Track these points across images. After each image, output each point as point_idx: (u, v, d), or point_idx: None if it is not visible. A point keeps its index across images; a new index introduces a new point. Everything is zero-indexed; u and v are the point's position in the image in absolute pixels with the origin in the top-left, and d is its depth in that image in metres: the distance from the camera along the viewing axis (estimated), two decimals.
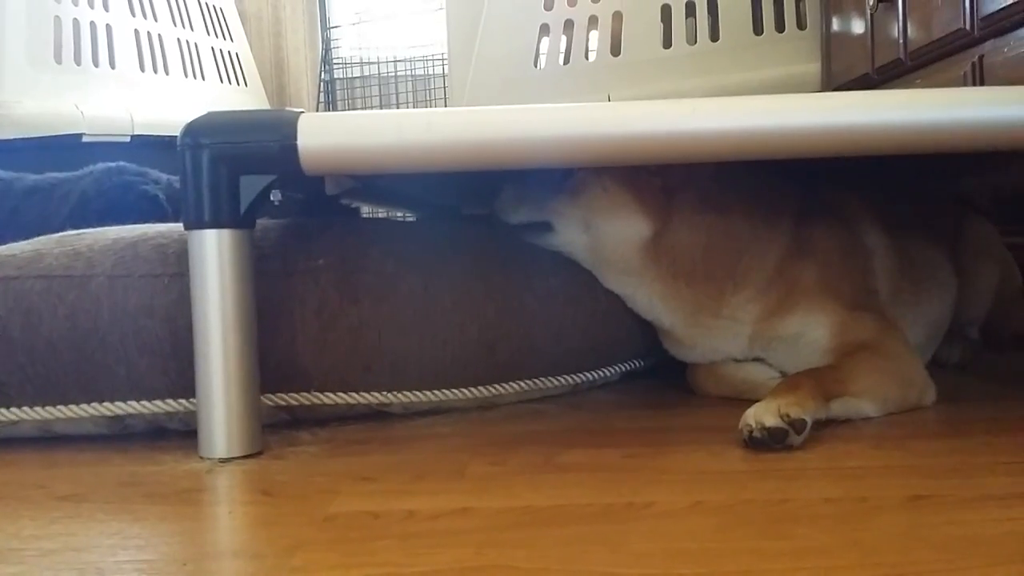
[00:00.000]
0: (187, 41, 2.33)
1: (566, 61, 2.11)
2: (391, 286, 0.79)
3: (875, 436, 0.74)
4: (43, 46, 1.84)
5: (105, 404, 0.77)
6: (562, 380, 0.87)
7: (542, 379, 0.86)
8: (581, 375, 0.89)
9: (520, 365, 0.85)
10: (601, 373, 0.90)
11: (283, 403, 0.78)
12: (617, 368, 0.92)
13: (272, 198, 0.72)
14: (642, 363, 0.94)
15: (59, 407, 0.77)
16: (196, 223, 0.71)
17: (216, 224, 0.70)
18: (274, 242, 0.80)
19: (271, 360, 0.77)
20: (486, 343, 0.82)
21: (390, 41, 3.15)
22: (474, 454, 0.70)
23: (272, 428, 0.78)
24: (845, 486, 0.59)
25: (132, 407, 0.77)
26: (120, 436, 0.78)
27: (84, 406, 0.77)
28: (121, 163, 1.23)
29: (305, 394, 0.79)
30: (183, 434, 0.76)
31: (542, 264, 0.86)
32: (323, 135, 0.70)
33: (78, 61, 1.92)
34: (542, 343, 0.85)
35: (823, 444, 0.69)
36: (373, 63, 3.13)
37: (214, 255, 0.70)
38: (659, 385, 0.94)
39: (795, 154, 0.71)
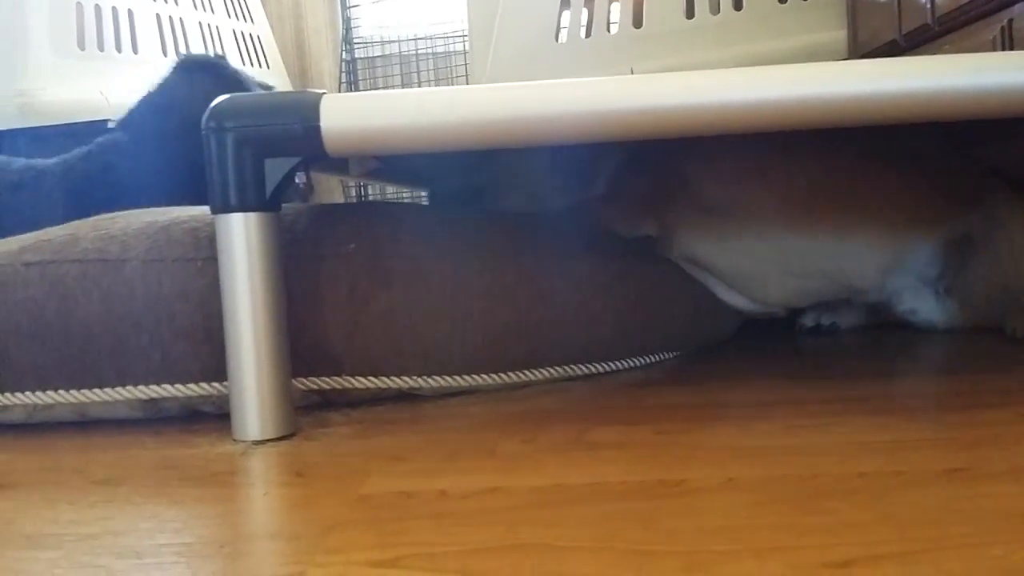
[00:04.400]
0: (208, 24, 2.34)
1: (587, 34, 2.09)
2: (422, 271, 0.79)
3: (908, 409, 0.73)
4: (66, 33, 1.85)
5: (140, 387, 0.78)
6: (592, 368, 0.87)
7: (572, 366, 0.86)
8: (611, 363, 0.88)
9: (550, 351, 0.84)
10: (630, 362, 0.89)
11: (314, 387, 0.79)
12: (646, 359, 0.91)
13: (297, 180, 0.72)
14: (672, 355, 0.94)
15: (94, 390, 0.78)
16: (222, 207, 0.71)
17: (242, 208, 0.71)
18: (305, 226, 0.80)
19: (302, 344, 0.77)
20: (517, 328, 0.82)
21: (410, 19, 3.14)
22: (504, 432, 0.70)
23: (304, 410, 0.78)
24: (879, 460, 0.59)
25: (166, 390, 0.78)
26: (154, 420, 0.79)
27: (119, 389, 0.78)
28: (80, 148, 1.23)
29: (336, 378, 0.79)
30: (217, 417, 0.77)
31: (573, 249, 0.86)
32: (346, 116, 0.70)
33: (101, 47, 1.93)
34: (573, 329, 0.85)
35: (856, 418, 0.69)
36: (394, 42, 3.12)
37: (241, 239, 0.70)
38: (687, 363, 0.94)
39: (829, 123, 0.70)
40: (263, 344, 0.71)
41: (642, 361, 0.91)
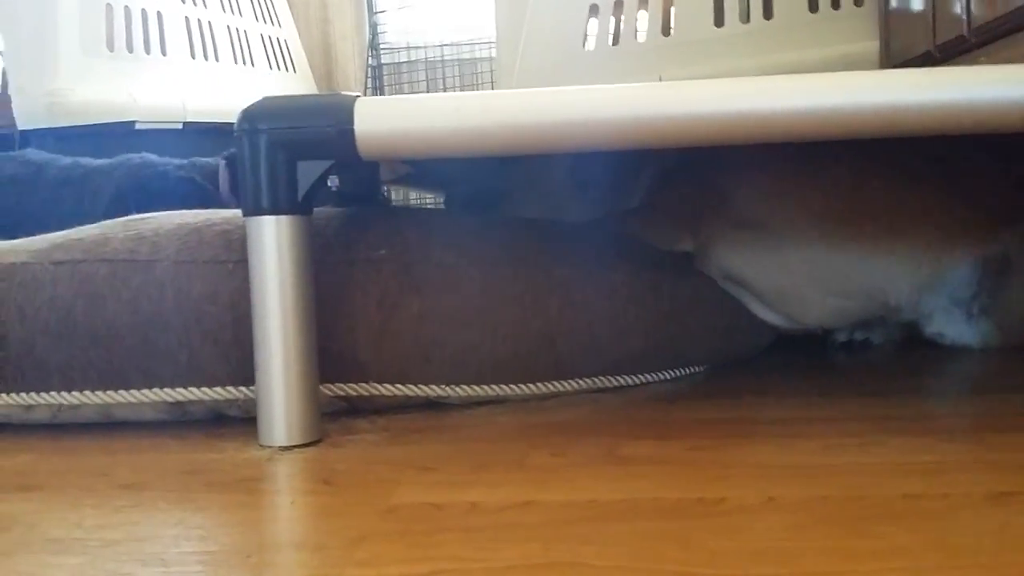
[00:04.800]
0: (236, 28, 2.35)
1: (615, 42, 2.08)
2: (453, 278, 0.78)
3: (947, 429, 0.71)
4: (95, 33, 1.86)
5: (166, 390, 0.77)
6: (622, 380, 0.85)
7: (602, 378, 0.84)
8: (641, 375, 0.87)
9: (581, 363, 0.83)
10: (661, 375, 0.88)
11: (341, 393, 0.78)
12: (677, 372, 0.89)
13: (329, 184, 0.71)
14: (702, 368, 0.92)
15: (120, 392, 0.77)
16: (254, 209, 0.70)
17: (274, 210, 0.70)
18: (337, 231, 0.79)
19: (331, 350, 0.76)
20: (548, 338, 0.81)
21: (436, 25, 3.14)
22: (533, 444, 0.69)
23: (330, 416, 0.77)
24: (924, 482, 0.57)
25: (193, 393, 0.77)
26: (179, 423, 0.78)
27: (146, 391, 0.77)
28: (144, 154, 1.23)
29: (364, 385, 0.78)
30: (243, 421, 0.76)
31: (606, 259, 0.85)
32: (379, 119, 0.69)
33: (130, 48, 1.93)
34: (605, 341, 0.84)
35: (895, 437, 0.67)
36: (420, 47, 3.12)
37: (272, 242, 0.70)
38: (718, 377, 0.92)
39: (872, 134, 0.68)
40: (292, 349, 0.70)
41: (673, 374, 0.89)
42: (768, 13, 1.96)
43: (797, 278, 0.92)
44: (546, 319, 0.81)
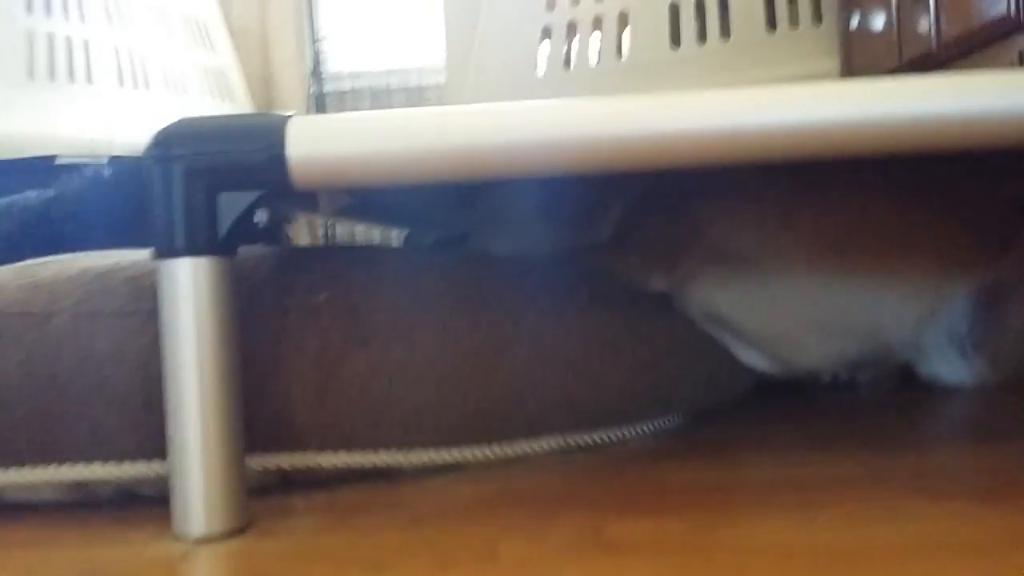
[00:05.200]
0: (170, 55, 2.22)
1: (568, 66, 2.00)
2: (405, 326, 0.67)
3: (979, 490, 0.62)
4: (14, 61, 1.72)
5: (65, 467, 0.65)
6: (598, 437, 0.75)
7: (577, 435, 0.74)
8: (619, 430, 0.76)
9: (553, 418, 0.72)
10: (639, 429, 0.78)
11: (274, 466, 0.66)
12: (658, 424, 0.79)
13: (256, 220, 0.60)
14: (681, 418, 0.82)
15: (11, 470, 0.65)
16: (167, 250, 0.58)
17: (191, 251, 0.58)
18: (268, 273, 0.68)
19: (261, 415, 0.65)
20: (514, 393, 0.70)
21: (382, 51, 3.04)
22: (505, 527, 0.58)
23: (260, 494, 0.65)
24: (982, 567, 0.47)
25: (96, 471, 0.65)
26: (86, 504, 0.66)
27: (40, 469, 0.65)
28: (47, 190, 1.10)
29: (301, 454, 0.66)
30: (158, 503, 0.63)
31: (578, 300, 0.74)
32: (317, 142, 0.59)
33: (52, 77, 1.80)
34: (578, 394, 0.73)
35: (924, 505, 0.58)
36: (365, 74, 3.02)
37: (188, 288, 0.58)
38: (701, 427, 0.82)
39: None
40: (211, 416, 0.58)
41: (653, 427, 0.79)
42: (725, 33, 1.90)
43: (789, 317, 0.83)
44: (513, 371, 0.70)
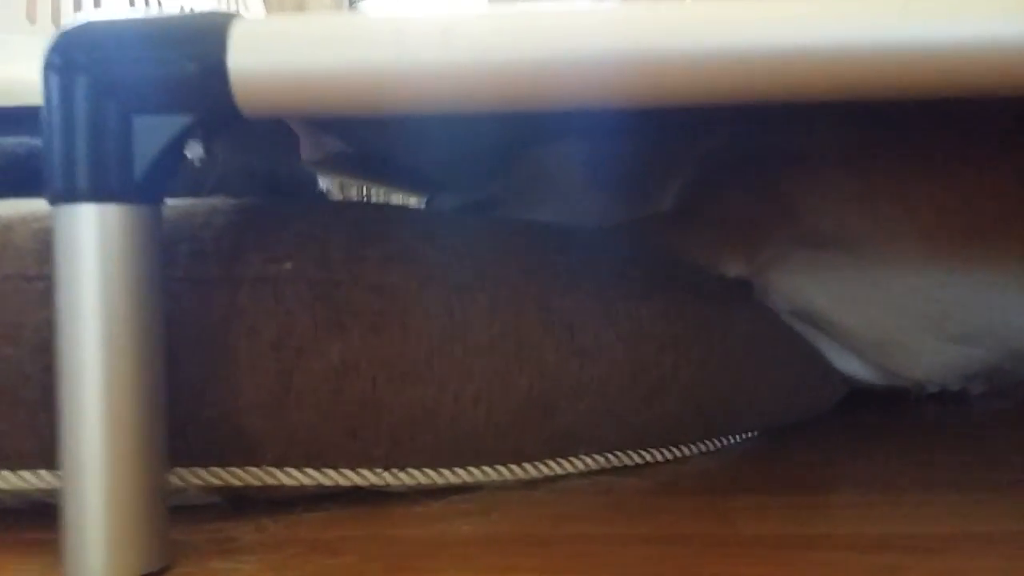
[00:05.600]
0: (191, 8, 2.07)
1: None
2: (398, 307, 0.51)
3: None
4: (15, 5, 1.58)
5: None
6: (647, 455, 0.58)
7: (620, 453, 0.57)
8: (675, 449, 0.59)
9: (590, 432, 0.56)
10: (700, 447, 0.61)
11: (217, 482, 0.50)
12: (722, 441, 0.62)
13: (190, 155, 0.44)
14: (753, 435, 0.65)
15: None
16: (64, 193, 0.43)
17: (97, 195, 0.42)
18: (217, 233, 0.52)
19: (199, 418, 0.49)
20: (542, 401, 0.53)
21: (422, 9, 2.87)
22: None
23: (200, 517, 0.50)
24: None
25: None
26: None
27: None
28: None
29: (254, 469, 0.51)
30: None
31: (629, 285, 0.57)
32: (272, 51, 0.42)
33: (56, 21, 1.66)
34: (626, 404, 0.56)
35: None
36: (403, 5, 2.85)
37: (93, 243, 0.42)
38: (777, 445, 0.66)
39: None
40: (120, 418, 0.42)
41: (716, 444, 0.62)
42: None
43: (902, 316, 0.66)
44: (540, 371, 0.53)
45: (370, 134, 0.62)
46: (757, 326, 0.64)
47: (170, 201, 0.52)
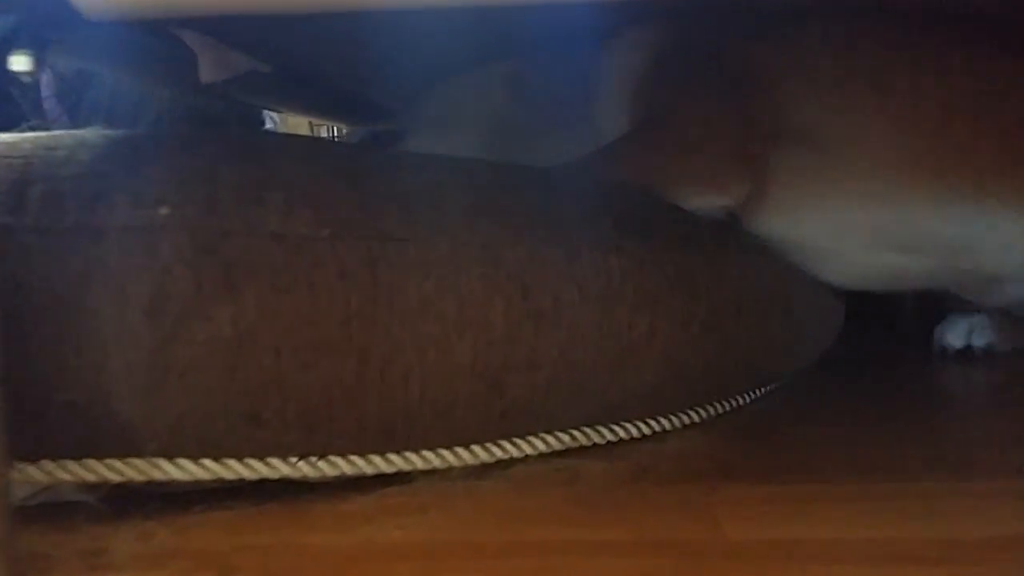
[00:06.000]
0: None
1: None
2: (304, 261, 0.41)
3: None
4: None
5: None
6: (621, 430, 0.49)
7: (584, 430, 0.48)
8: (655, 421, 0.50)
9: (548, 411, 0.46)
10: (687, 416, 0.52)
11: (91, 476, 0.41)
12: (714, 408, 0.53)
13: (27, 69, 0.34)
14: (752, 397, 0.56)
15: None
16: None
17: None
18: (79, 171, 0.41)
19: (59, 399, 0.39)
20: (489, 373, 0.44)
21: None
22: None
23: (68, 520, 0.41)
24: None
25: None
26: None
27: None
28: None
29: (135, 461, 0.41)
30: None
31: (595, 227, 0.47)
32: None
33: None
34: (596, 373, 0.47)
35: None
36: None
37: None
38: (774, 410, 0.57)
39: None
40: None
41: (699, 415, 0.53)
42: None
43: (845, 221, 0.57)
44: (487, 338, 0.44)
45: (280, 43, 0.51)
46: (750, 272, 0.54)
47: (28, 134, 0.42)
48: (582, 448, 0.49)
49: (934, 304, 0.76)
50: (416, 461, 0.45)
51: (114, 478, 0.42)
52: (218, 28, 0.49)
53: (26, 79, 0.35)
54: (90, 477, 0.42)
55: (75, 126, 0.69)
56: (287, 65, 0.57)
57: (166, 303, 0.40)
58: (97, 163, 0.41)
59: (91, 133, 0.44)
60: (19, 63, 0.35)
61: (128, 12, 0.35)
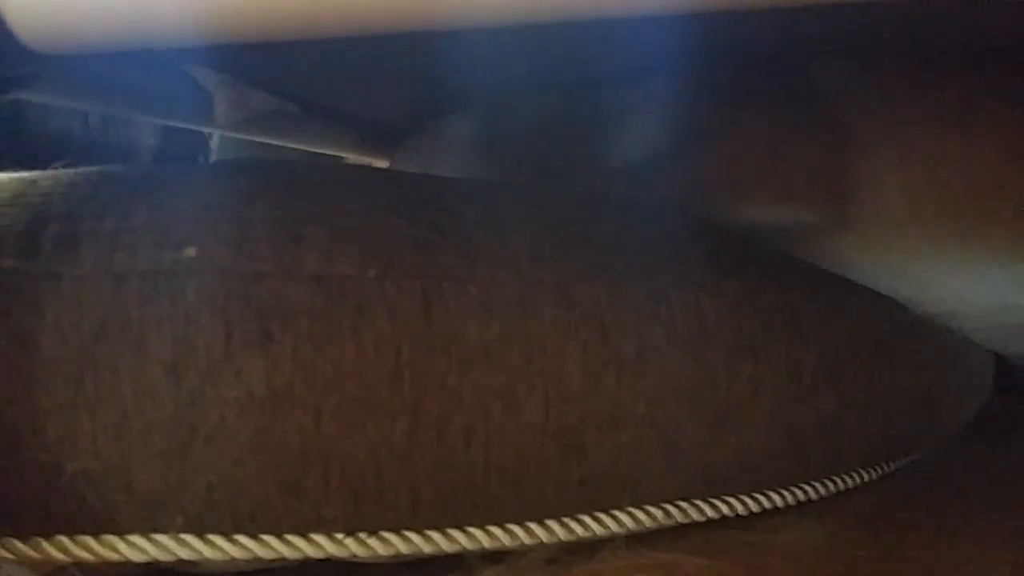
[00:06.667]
0: None
1: None
2: (349, 306, 0.34)
3: None
4: None
5: None
6: (721, 507, 0.42)
7: (680, 505, 0.41)
8: (761, 497, 0.43)
9: (633, 477, 0.40)
10: (801, 492, 0.44)
11: (113, 556, 0.36)
12: (834, 483, 0.45)
13: None
14: (882, 471, 0.48)
15: None
16: None
17: None
18: (93, 212, 0.36)
19: (67, 467, 0.35)
20: (564, 433, 0.37)
21: None
22: None
23: None
24: None
25: None
26: None
27: None
28: None
29: (159, 538, 0.36)
30: None
31: (684, 262, 0.40)
32: None
33: None
34: (682, 434, 0.40)
35: None
36: None
37: None
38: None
39: None
40: None
41: (822, 489, 0.45)
42: None
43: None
44: (560, 392, 0.37)
45: (306, 73, 0.46)
46: (866, 312, 0.47)
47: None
48: (677, 532, 0.42)
49: None
50: (481, 539, 0.39)
51: (137, 557, 0.37)
52: (233, 63, 0.45)
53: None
54: (111, 556, 0.37)
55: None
56: (316, 98, 0.52)
57: (191, 357, 0.34)
58: (119, 201, 0.37)
59: (119, 169, 0.40)
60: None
61: (76, 44, 0.30)
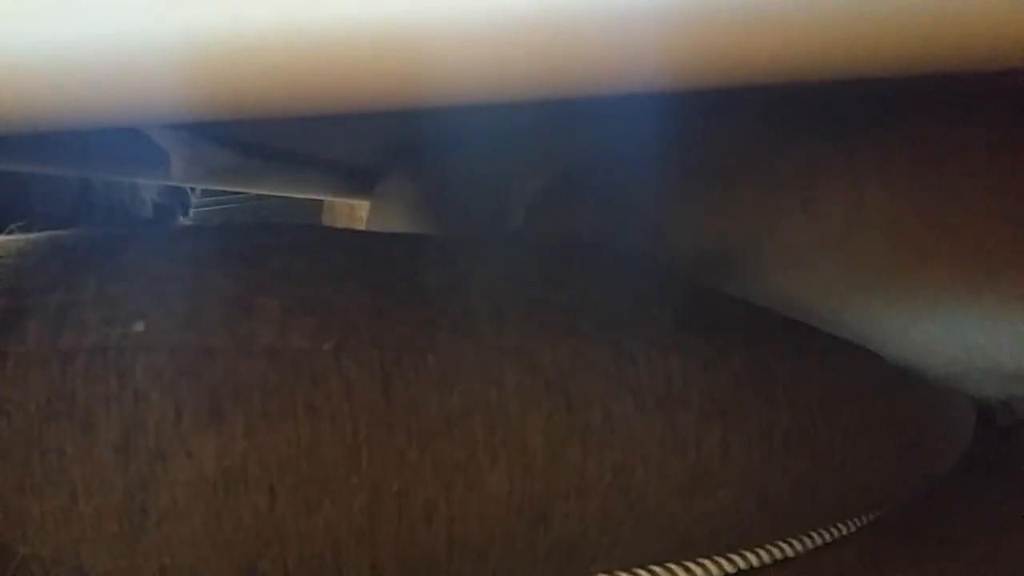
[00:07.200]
0: None
1: None
2: (303, 382, 0.33)
3: None
4: None
5: None
6: (695, 569, 0.41)
7: (652, 570, 0.40)
8: (734, 557, 0.42)
9: (602, 546, 0.39)
10: (777, 550, 0.43)
11: None
12: (811, 539, 0.45)
13: None
14: (859, 524, 0.47)
15: None
16: None
17: None
18: (40, 285, 0.36)
19: (16, 552, 0.33)
20: (529, 505, 0.36)
21: None
22: None
23: None
24: None
25: None
26: None
27: None
28: None
29: None
30: None
31: (650, 321, 0.39)
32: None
33: None
34: (652, 501, 0.39)
35: None
36: None
37: None
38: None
39: None
40: None
41: (802, 545, 0.45)
42: None
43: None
44: (524, 463, 0.36)
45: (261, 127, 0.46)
46: (840, 366, 0.46)
47: None
48: None
49: None
50: None
51: None
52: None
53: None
54: None
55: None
56: (291, 142, 0.52)
57: (140, 437, 0.33)
58: (68, 272, 0.36)
59: (71, 236, 0.39)
60: None
61: (28, 124, 0.29)
